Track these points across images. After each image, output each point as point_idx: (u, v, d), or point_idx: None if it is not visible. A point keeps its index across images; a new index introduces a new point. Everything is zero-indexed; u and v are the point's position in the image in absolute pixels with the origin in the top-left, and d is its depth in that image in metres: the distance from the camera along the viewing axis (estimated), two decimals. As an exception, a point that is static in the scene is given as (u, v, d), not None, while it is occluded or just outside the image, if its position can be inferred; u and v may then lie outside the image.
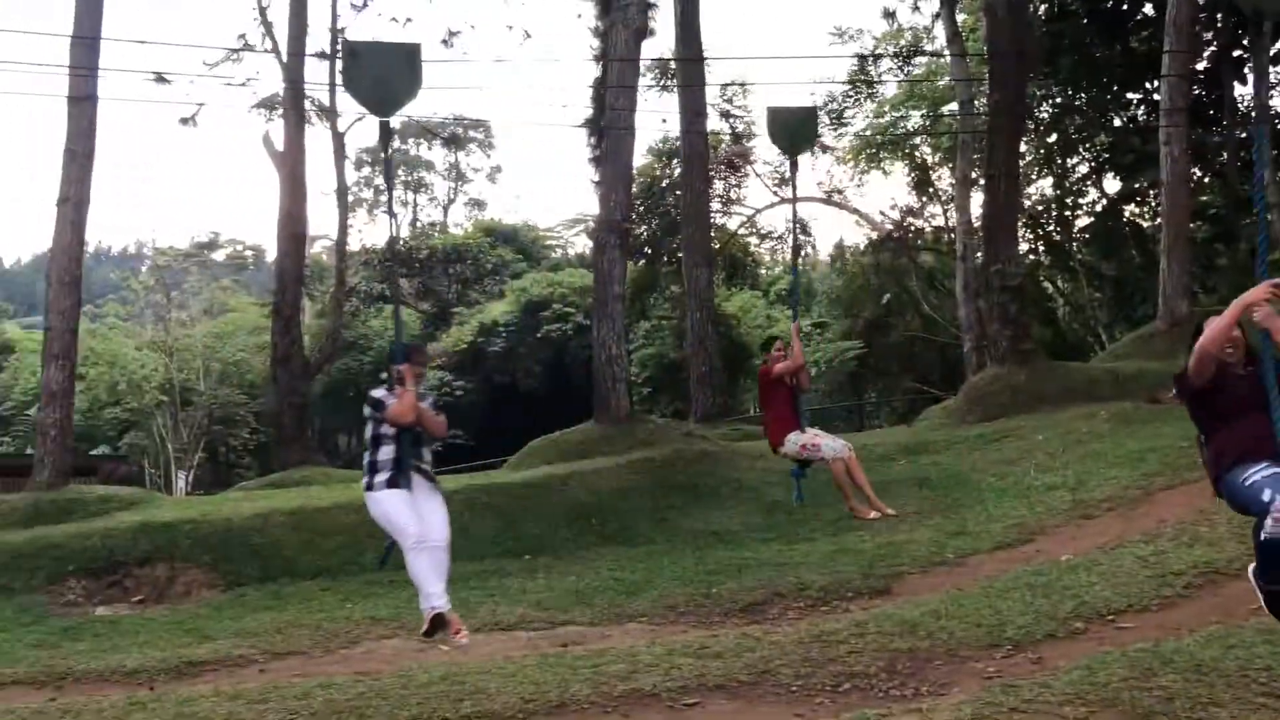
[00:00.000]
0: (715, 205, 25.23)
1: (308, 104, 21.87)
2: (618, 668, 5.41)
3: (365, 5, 23.99)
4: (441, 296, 37.77)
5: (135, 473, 32.64)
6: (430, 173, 49.12)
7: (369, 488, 5.66)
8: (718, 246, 23.31)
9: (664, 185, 26.98)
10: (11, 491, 13.66)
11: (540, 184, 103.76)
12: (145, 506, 12.10)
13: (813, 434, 8.58)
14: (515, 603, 7.70)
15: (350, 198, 32.11)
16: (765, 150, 27.98)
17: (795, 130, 9.43)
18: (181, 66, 27.53)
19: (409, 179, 48.55)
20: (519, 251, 40.20)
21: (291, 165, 19.88)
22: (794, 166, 10.31)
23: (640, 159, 25.20)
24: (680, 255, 21.57)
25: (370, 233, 54.49)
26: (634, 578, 8.14)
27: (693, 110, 18.50)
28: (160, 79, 19.83)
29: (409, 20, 25.50)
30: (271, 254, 45.39)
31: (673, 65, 22.12)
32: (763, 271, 35.35)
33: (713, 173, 23.27)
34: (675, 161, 25.09)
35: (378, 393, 5.78)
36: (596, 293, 15.18)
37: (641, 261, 26.33)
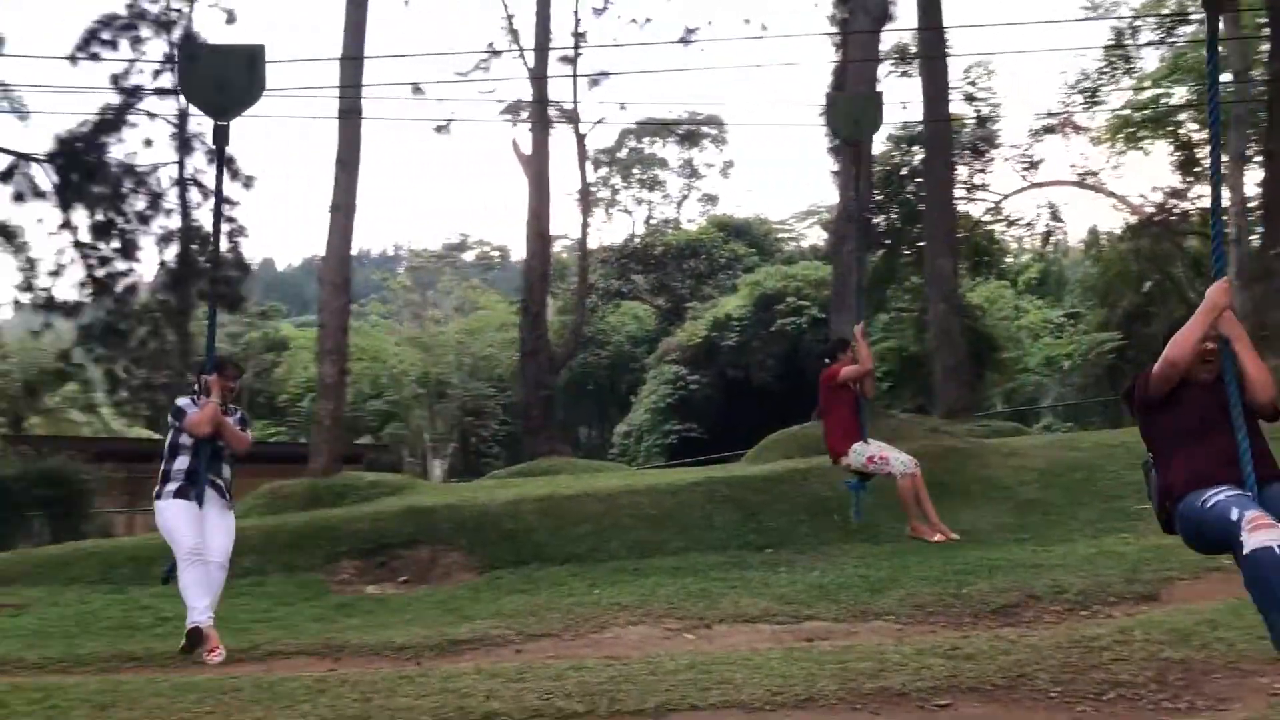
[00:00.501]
0: (959, 192, 24.32)
1: (551, 108, 22.62)
2: (865, 665, 5.31)
3: (605, 8, 24.63)
4: (675, 292, 38.24)
5: (396, 461, 34.87)
6: (664, 170, 49.76)
7: (157, 496, 5.56)
8: (961, 235, 22.44)
9: (904, 173, 26.25)
10: (288, 478, 14.89)
11: (773, 177, 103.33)
12: (409, 492, 12.91)
13: (879, 446, 8.06)
14: (758, 595, 7.69)
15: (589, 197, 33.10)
16: (1013, 133, 26.77)
17: (858, 117, 8.95)
18: (436, 78, 29.04)
19: (643, 177, 49.34)
20: (752, 245, 40.11)
21: (537, 167, 20.66)
22: (857, 156, 9.67)
23: (879, 146, 24.65)
24: (921, 245, 20.98)
25: (608, 231, 55.85)
26: (880, 575, 7.97)
27: (934, 94, 17.91)
28: (416, 90, 21.09)
29: (648, 20, 25.99)
30: (516, 254, 47.34)
31: (913, 49, 21.53)
32: (1010, 260, 33.83)
33: (956, 158, 22.44)
34: (916, 148, 24.39)
35: (182, 401, 5.76)
36: (834, 285, 15.00)
37: (880, 252, 25.73)
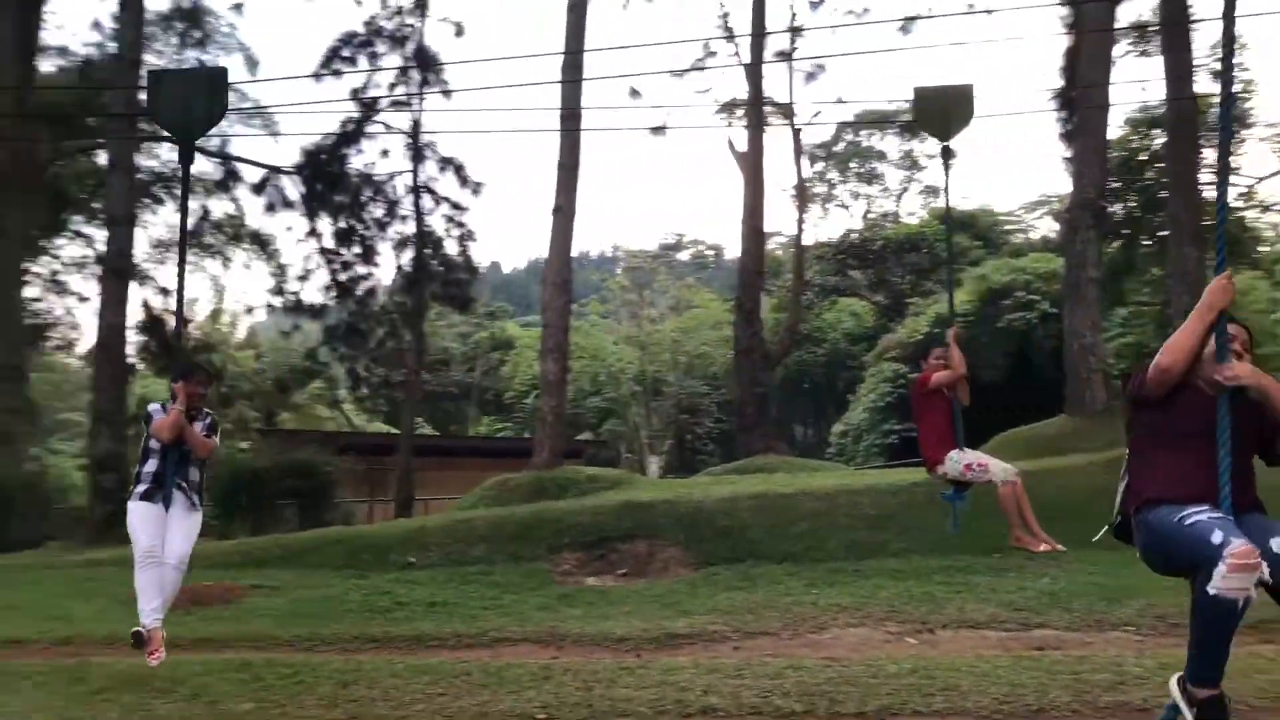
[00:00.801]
0: (1205, 176, 22.64)
1: (767, 105, 22.58)
2: (1101, 677, 5.03)
3: (821, 1, 24.35)
4: (895, 288, 37.37)
5: (613, 456, 35.64)
6: (883, 163, 48.65)
7: (128, 497, 5.73)
8: (1208, 222, 20.90)
9: (1144, 158, 24.67)
10: (514, 471, 15.47)
11: (1000, 166, 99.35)
12: (626, 487, 13.14)
13: (975, 454, 7.42)
14: (984, 601, 7.40)
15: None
16: (1269, 109, 24.68)
17: (948, 113, 8.20)
18: (651, 81, 29.53)
19: (861, 170, 48.41)
20: (977, 238, 38.71)
21: (753, 164, 20.64)
22: (947, 153, 8.77)
23: (1116, 130, 23.26)
24: (1164, 234, 19.70)
25: (825, 227, 55.24)
26: (1116, 584, 7.51)
27: (1178, 74, 16.74)
28: (634, 94, 21.48)
29: (865, 10, 25.50)
30: (730, 252, 47.49)
31: (1153, 24, 20.20)
32: (1265, 248, 31.24)
33: (1202, 140, 20.88)
34: (1157, 130, 22.90)
35: (153, 407, 5.86)
36: (1067, 277, 14.28)
37: (1118, 242, 24.28)
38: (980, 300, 29.16)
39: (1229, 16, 3.95)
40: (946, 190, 10.14)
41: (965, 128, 8.55)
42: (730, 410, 31.26)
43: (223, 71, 6.80)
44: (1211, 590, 3.13)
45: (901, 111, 40.95)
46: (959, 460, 7.36)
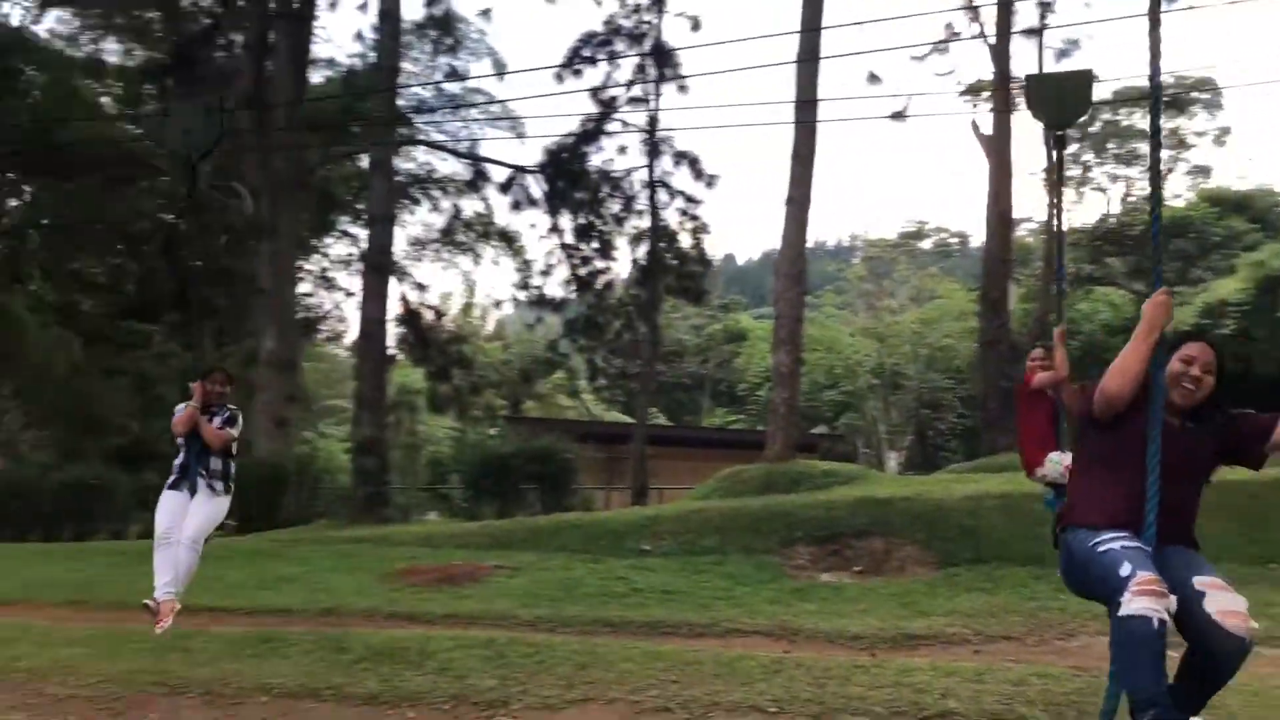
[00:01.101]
0: None
1: (1014, 85, 21.58)
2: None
3: (1071, -26, 23.00)
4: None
5: (850, 451, 35.05)
6: (1144, 142, 45.47)
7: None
8: None
9: None
10: (746, 463, 15.45)
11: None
12: (862, 483, 12.88)
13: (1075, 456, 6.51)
14: (1259, 615, 6.74)
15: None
16: None
17: (1063, 100, 7.26)
18: (889, 64, 28.86)
19: (1119, 151, 45.45)
20: (1253, 220, 35.59)
21: (999, 148, 19.79)
22: (1060, 142, 7.68)
23: None
24: None
25: (1079, 212, 52.23)
26: None
27: None
28: (873, 79, 21.00)
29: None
30: (975, 240, 45.65)
31: None
32: None
33: None
34: None
35: (178, 406, 6.31)
36: (1360, 262, 12.89)
37: None
38: (1257, 288, 26.79)
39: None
40: (1060, 181, 9.48)
41: (1082, 115, 8.07)
42: (974, 405, 30.08)
43: (215, 101, 7.49)
44: (1123, 613, 3.08)
45: (1167, 86, 38.25)
46: (1060, 461, 6.94)
